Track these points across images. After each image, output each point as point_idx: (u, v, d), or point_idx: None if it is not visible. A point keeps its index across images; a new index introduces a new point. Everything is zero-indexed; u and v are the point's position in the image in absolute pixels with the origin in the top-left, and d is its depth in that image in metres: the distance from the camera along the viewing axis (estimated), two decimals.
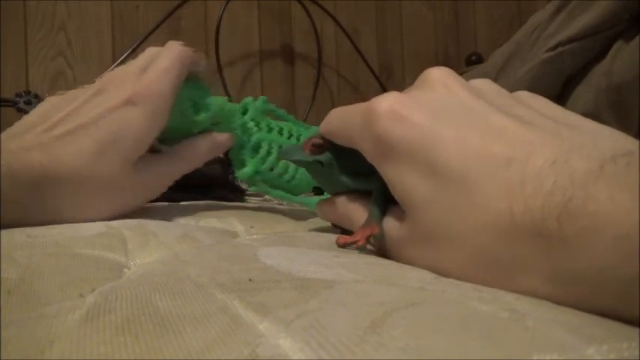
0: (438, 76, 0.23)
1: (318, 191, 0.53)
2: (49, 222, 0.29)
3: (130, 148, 0.32)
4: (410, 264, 0.22)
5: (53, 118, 0.31)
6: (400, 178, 0.21)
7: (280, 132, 0.45)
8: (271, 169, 0.43)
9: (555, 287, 0.16)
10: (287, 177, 0.43)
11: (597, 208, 0.14)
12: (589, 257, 0.15)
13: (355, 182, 0.28)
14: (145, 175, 0.34)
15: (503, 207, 0.17)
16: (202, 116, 0.38)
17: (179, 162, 0.37)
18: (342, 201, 0.29)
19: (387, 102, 0.22)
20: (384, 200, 0.25)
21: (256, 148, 0.42)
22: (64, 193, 0.30)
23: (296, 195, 0.46)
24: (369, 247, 0.26)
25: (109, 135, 0.31)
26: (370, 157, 0.23)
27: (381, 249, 0.25)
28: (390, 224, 0.24)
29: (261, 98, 0.45)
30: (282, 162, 0.43)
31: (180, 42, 0.37)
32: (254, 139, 0.42)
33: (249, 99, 0.45)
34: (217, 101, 0.40)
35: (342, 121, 0.26)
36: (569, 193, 0.15)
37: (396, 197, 0.22)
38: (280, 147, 0.42)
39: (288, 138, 0.44)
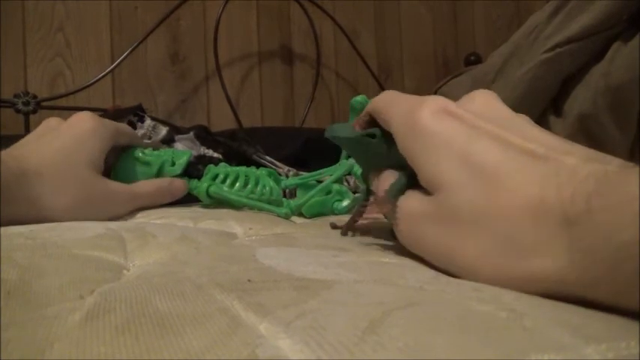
0: (482, 96, 0.25)
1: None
2: (37, 209, 0.35)
3: (88, 153, 0.41)
4: (421, 239, 0.23)
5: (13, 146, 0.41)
6: (432, 163, 0.22)
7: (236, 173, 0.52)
8: (230, 187, 0.50)
9: (569, 269, 0.16)
10: (250, 188, 0.49)
11: (626, 189, 0.15)
12: (610, 231, 0.15)
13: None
14: (114, 191, 0.42)
15: (534, 193, 0.18)
16: (156, 158, 0.49)
17: (138, 188, 0.45)
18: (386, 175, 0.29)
19: (438, 102, 0.24)
20: (411, 180, 0.25)
21: (214, 178, 0.50)
22: (41, 179, 0.36)
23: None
24: (371, 248, 0.27)
25: (68, 141, 0.41)
26: (402, 139, 0.25)
27: (398, 220, 0.25)
28: (414, 197, 0.24)
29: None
30: (242, 179, 0.49)
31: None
32: (211, 171, 0.51)
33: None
34: (166, 150, 0.52)
35: (391, 103, 0.27)
36: (601, 179, 0.16)
37: (424, 179, 0.23)
38: (244, 174, 0.51)
39: (245, 175, 0.51)
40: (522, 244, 0.18)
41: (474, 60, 1.32)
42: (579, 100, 0.59)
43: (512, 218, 0.19)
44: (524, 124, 0.22)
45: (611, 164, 0.17)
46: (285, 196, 0.54)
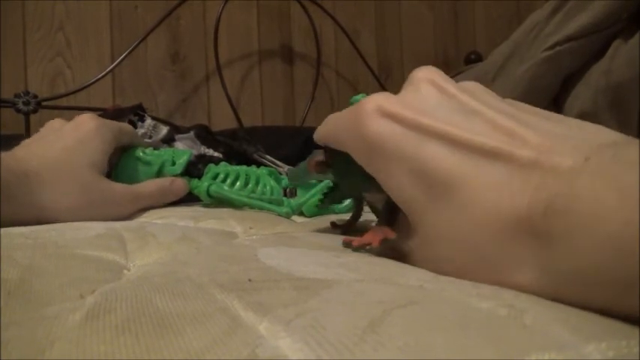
0: (425, 75, 0.23)
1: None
2: (37, 210, 0.35)
3: (90, 154, 0.41)
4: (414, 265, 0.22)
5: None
6: (392, 180, 0.21)
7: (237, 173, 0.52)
8: (230, 186, 0.50)
9: (548, 286, 0.16)
10: (250, 188, 0.50)
11: (582, 207, 0.14)
12: (578, 256, 0.14)
13: (372, 183, 0.28)
14: (116, 192, 0.42)
15: (490, 205, 0.17)
16: (156, 157, 0.49)
17: (141, 189, 0.45)
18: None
19: (374, 101, 0.22)
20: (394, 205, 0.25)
21: (214, 177, 0.50)
22: (41, 179, 0.36)
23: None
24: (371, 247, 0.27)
25: (71, 142, 0.40)
26: (359, 157, 0.23)
27: (384, 253, 0.25)
28: (398, 233, 0.24)
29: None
30: (242, 178, 0.50)
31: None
32: (212, 170, 0.51)
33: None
34: (167, 150, 0.51)
35: (334, 124, 0.26)
36: (553, 189, 0.15)
37: (392, 197, 0.22)
38: (245, 173, 0.51)
39: (246, 175, 0.52)
40: (496, 260, 0.17)
41: (474, 59, 1.32)
42: (580, 98, 0.59)
43: (478, 234, 0.18)
44: (472, 103, 0.20)
45: (565, 154, 0.16)
46: (285, 195, 0.54)
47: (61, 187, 0.37)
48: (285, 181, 0.54)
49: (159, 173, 0.49)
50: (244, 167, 0.53)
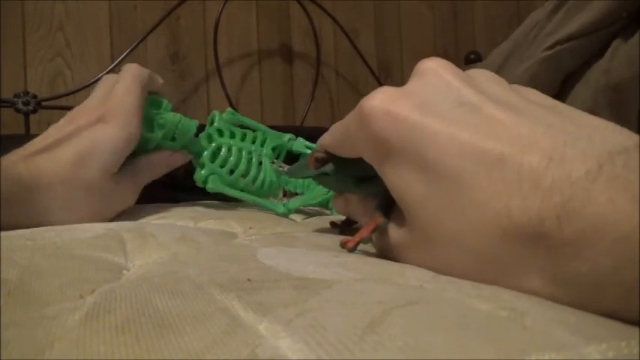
0: (432, 66, 0.23)
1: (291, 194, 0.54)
2: (43, 223, 0.33)
3: (108, 158, 0.37)
4: (411, 264, 0.22)
5: (32, 145, 0.37)
6: (397, 178, 0.21)
7: (243, 138, 0.50)
8: (232, 172, 0.47)
9: (557, 288, 0.16)
10: (249, 179, 0.47)
11: (597, 210, 0.14)
12: (589, 260, 0.14)
13: (361, 188, 0.28)
14: (120, 185, 0.39)
15: (500, 206, 0.17)
16: (156, 133, 0.44)
17: (140, 174, 0.42)
18: (353, 199, 0.30)
19: (376, 100, 0.21)
20: (388, 202, 0.25)
21: (215, 153, 0.47)
22: (52, 194, 0.35)
23: (262, 197, 0.48)
24: (370, 248, 0.27)
25: (85, 147, 0.36)
26: (369, 158, 0.23)
27: (382, 250, 0.25)
28: (392, 229, 0.24)
29: (228, 110, 0.52)
30: (244, 165, 0.47)
31: (136, 64, 0.43)
32: (214, 144, 0.47)
33: (215, 112, 0.51)
34: (173, 118, 0.45)
35: (341, 131, 0.26)
36: (567, 193, 0.15)
37: (395, 197, 0.22)
38: (247, 151, 0.49)
39: (252, 142, 0.50)
40: (502, 262, 0.17)
41: (474, 58, 1.32)
42: (580, 97, 0.59)
43: (484, 235, 0.18)
44: (479, 99, 0.20)
45: (577, 160, 0.16)
46: (285, 195, 0.54)
47: (70, 200, 0.36)
48: (283, 177, 0.54)
49: (157, 145, 0.45)
50: (248, 145, 0.50)
